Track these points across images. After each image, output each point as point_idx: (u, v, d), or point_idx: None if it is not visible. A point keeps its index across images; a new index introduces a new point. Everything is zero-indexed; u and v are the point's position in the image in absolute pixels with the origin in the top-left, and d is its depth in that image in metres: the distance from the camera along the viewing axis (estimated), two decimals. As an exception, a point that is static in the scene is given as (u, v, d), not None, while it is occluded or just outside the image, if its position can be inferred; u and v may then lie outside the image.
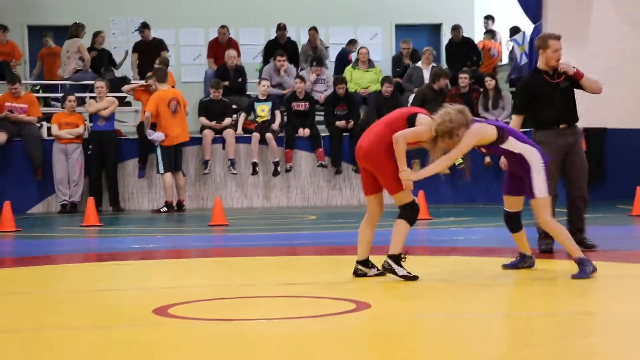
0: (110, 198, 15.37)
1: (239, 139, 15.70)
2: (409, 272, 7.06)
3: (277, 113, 15.90)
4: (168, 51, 17.97)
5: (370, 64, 17.43)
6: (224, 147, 15.70)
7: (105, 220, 13.50)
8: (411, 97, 16.45)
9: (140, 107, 15.76)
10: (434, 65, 17.02)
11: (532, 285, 6.90)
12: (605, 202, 14.94)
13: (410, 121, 7.02)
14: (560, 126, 8.56)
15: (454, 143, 6.89)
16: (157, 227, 13.14)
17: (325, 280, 7.19)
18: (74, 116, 15.42)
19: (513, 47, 17.64)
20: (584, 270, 6.98)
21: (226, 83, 16.48)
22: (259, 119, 15.75)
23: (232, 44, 17.97)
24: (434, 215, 12.97)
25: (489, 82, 15.68)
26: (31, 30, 20.17)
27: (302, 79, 16.23)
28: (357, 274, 7.25)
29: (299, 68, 17.77)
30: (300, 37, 19.50)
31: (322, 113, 16.44)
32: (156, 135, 14.63)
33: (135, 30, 18.07)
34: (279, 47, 17.80)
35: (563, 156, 8.51)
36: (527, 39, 16.87)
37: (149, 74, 15.61)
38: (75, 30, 17.29)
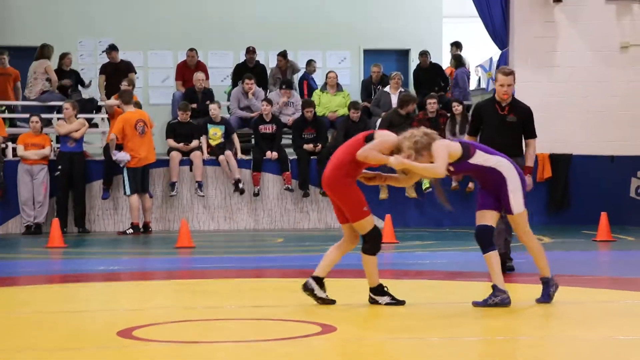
0: (76, 219, 15.28)
1: (206, 162, 15.67)
2: (393, 299, 7.03)
3: (234, 137, 15.94)
4: (136, 73, 17.92)
5: (338, 87, 17.49)
6: (191, 169, 15.67)
7: (70, 242, 13.40)
8: (379, 122, 16.51)
9: (107, 129, 15.70)
10: (402, 90, 17.12)
11: (494, 309, 6.91)
12: (570, 228, 15.06)
13: (369, 141, 6.92)
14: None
15: (420, 161, 6.78)
16: (123, 249, 13.07)
17: (291, 303, 7.19)
18: (40, 137, 15.33)
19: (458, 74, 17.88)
20: (547, 294, 7.04)
21: (194, 105, 16.47)
22: (211, 142, 15.75)
23: (201, 67, 17.97)
24: (401, 239, 13.01)
25: (457, 107, 15.79)
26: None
27: (270, 101, 16.26)
28: (306, 287, 7.06)
29: (267, 91, 17.80)
30: (269, 61, 19.55)
31: (290, 136, 16.47)
32: (121, 156, 14.57)
33: (103, 52, 18.02)
34: (248, 70, 17.83)
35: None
36: (495, 65, 17.04)
37: (114, 96, 15.56)
38: (43, 51, 17.21)
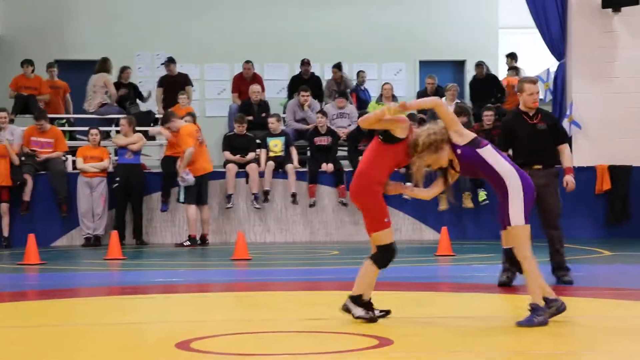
0: (134, 231, 15.43)
1: (262, 174, 15.73)
2: (366, 313, 6.79)
3: (293, 150, 15.98)
4: (192, 86, 18.10)
5: (394, 99, 17.47)
6: (247, 182, 15.74)
7: (129, 254, 13.53)
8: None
9: (164, 142, 15.79)
10: (458, 101, 17.03)
11: (552, 324, 6.82)
12: (630, 241, 14.84)
13: (382, 132, 6.80)
14: (534, 167, 8.75)
15: (438, 158, 6.67)
16: (180, 261, 13.16)
17: (348, 316, 7.16)
18: (99, 149, 15.52)
19: None
20: (531, 319, 6.55)
21: (250, 118, 16.55)
22: (271, 154, 15.80)
23: (257, 79, 18.08)
24: (457, 252, 12.92)
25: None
26: (60, 64, 20.35)
27: (325, 113, 16.29)
28: (344, 309, 6.90)
29: (323, 103, 17.84)
30: (325, 73, 19.59)
31: (346, 148, 16.46)
32: (189, 178, 14.64)
33: (162, 64, 18.19)
34: (303, 82, 17.89)
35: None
36: (552, 76, 16.88)
37: (162, 128, 15.46)
38: (102, 65, 17.45)
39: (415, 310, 7.23)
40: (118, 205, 15.31)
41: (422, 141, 6.65)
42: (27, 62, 17.62)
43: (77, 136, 17.26)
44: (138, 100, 18.07)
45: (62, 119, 17.58)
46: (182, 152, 14.67)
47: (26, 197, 15.21)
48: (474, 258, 12.73)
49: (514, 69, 18.81)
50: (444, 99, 17.08)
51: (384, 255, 6.80)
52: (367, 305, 6.82)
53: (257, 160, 15.81)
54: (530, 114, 8.82)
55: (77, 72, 18.92)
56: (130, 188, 15.28)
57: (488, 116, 15.89)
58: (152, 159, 16.74)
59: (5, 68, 19.22)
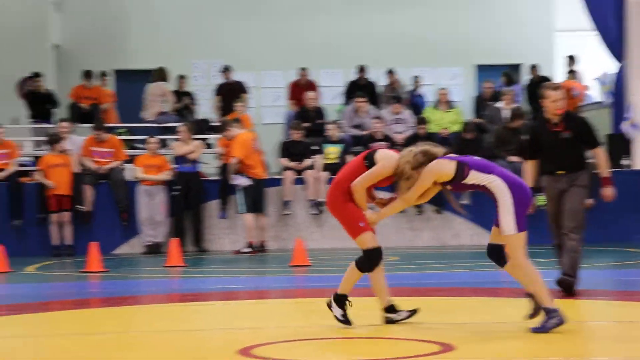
0: (194, 239, 15.55)
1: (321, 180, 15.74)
2: (343, 317, 6.95)
3: (349, 157, 15.96)
4: (249, 93, 18.21)
5: (450, 104, 17.41)
6: (304, 188, 15.78)
7: (189, 261, 13.63)
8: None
9: (221, 150, 15.90)
10: (515, 105, 16.90)
11: (606, 328, 6.73)
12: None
13: (369, 158, 6.90)
14: (557, 172, 8.60)
15: (411, 184, 6.70)
16: (240, 267, 13.23)
17: (409, 322, 7.14)
18: (157, 158, 15.67)
19: None
20: (545, 325, 6.49)
21: (306, 124, 16.60)
22: (327, 161, 15.82)
23: (312, 86, 18.13)
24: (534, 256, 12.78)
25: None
26: (117, 74, 20.63)
27: (381, 119, 16.27)
28: (386, 321, 7.09)
29: (379, 109, 17.82)
30: (380, 79, 19.58)
31: (403, 154, 16.41)
32: (242, 180, 14.75)
33: (219, 72, 18.33)
34: (359, 88, 17.90)
35: (557, 202, 8.61)
36: (609, 78, 16.70)
37: (221, 140, 15.57)
38: (160, 74, 17.63)
39: (476, 316, 7.18)
40: (177, 213, 15.44)
41: (396, 170, 6.77)
42: (87, 74, 17.85)
43: (136, 145, 17.47)
44: (193, 108, 18.23)
45: (120, 128, 17.81)
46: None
47: (87, 207, 15.41)
48: (535, 263, 12.59)
49: (572, 72, 18.63)
50: (500, 103, 16.97)
51: (367, 259, 7.06)
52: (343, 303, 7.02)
53: (313, 166, 15.84)
54: (554, 121, 8.55)
55: (134, 81, 19.14)
56: (190, 196, 15.40)
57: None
58: (210, 166, 16.85)
59: (63, 78, 19.51)
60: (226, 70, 17.95)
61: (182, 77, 18.34)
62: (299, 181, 15.80)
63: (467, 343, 6.33)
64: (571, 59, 19.02)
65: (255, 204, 14.97)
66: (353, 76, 18.76)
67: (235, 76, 18.15)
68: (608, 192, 8.75)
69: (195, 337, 6.91)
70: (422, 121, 16.24)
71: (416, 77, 19.06)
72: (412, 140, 16.17)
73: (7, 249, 13.10)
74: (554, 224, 8.76)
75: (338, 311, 6.99)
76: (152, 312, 8.52)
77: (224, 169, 15.45)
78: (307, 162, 15.83)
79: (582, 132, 8.62)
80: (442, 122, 17.12)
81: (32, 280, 12.01)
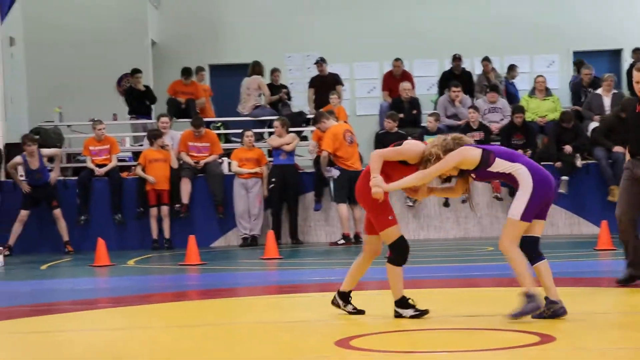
0: (290, 231, 15.66)
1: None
2: (416, 310, 6.93)
3: None
4: (343, 85, 18.23)
5: (547, 92, 17.14)
6: (400, 179, 15.71)
7: (285, 253, 13.74)
8: (592, 125, 16.07)
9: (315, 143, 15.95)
10: (615, 92, 16.57)
11: None
12: None
13: (398, 145, 6.96)
14: (638, 157, 8.28)
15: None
16: (335, 259, 13.27)
17: (506, 313, 7.07)
18: (253, 151, 15.82)
19: None
20: (523, 309, 6.54)
21: (401, 115, 16.54)
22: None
23: (407, 76, 18.06)
24: (619, 246, 12.56)
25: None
26: (212, 69, 20.90)
27: (476, 109, 16.13)
28: (333, 303, 7.30)
29: (474, 98, 17.67)
30: (475, 67, 19.40)
31: (498, 143, 16.25)
32: (334, 172, 14.80)
33: (314, 64, 18.39)
34: (454, 77, 17.76)
35: (632, 188, 8.27)
36: None
37: (315, 135, 15.63)
38: (255, 68, 17.80)
39: (576, 306, 7.07)
40: (274, 206, 15.56)
41: (424, 154, 6.76)
42: (185, 71, 18.12)
43: (232, 138, 17.66)
44: (288, 101, 18.34)
45: (216, 122, 18.04)
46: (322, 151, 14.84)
47: (184, 199, 15.65)
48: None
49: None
50: (600, 90, 16.65)
51: (397, 253, 7.01)
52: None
53: (409, 157, 15.76)
54: None
55: (229, 76, 19.35)
56: (286, 188, 15.50)
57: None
58: (304, 159, 16.95)
59: (161, 74, 19.85)
60: (321, 62, 18.01)
61: (276, 70, 18.46)
62: (394, 172, 15.72)
63: (567, 333, 6.25)
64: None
65: (350, 195, 14.98)
66: (447, 66, 18.62)
67: (330, 68, 18.20)
68: None
69: (293, 328, 6.97)
70: (518, 110, 16.04)
71: (513, 65, 18.80)
72: (508, 129, 16.02)
73: (108, 243, 13.40)
74: (625, 215, 8.38)
75: (408, 312, 6.97)
76: (250, 304, 8.62)
77: (317, 161, 15.50)
78: (402, 153, 15.75)
79: None
80: (539, 110, 16.87)
81: (132, 273, 12.27)
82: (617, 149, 15.13)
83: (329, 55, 18.83)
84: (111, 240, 14.85)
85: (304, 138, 17.25)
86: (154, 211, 15.52)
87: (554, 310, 6.59)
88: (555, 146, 15.66)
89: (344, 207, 14.93)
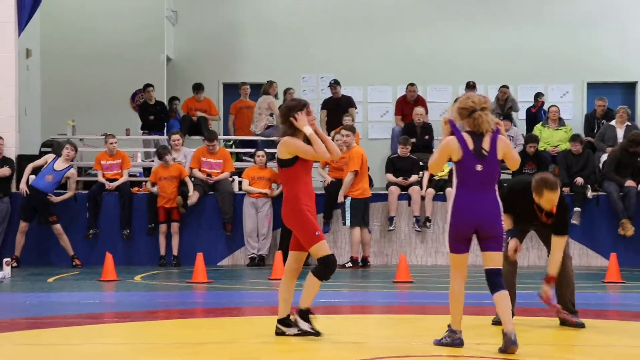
0: (298, 252, 15.58)
1: (424, 197, 15.65)
2: (311, 328, 7.16)
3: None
4: (356, 108, 18.23)
5: (560, 122, 17.11)
6: (409, 204, 15.71)
7: (292, 274, 13.65)
8: (603, 157, 16.03)
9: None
10: (629, 124, 16.53)
11: None
12: None
13: (281, 161, 7.42)
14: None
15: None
16: (342, 282, 13.22)
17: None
18: (265, 170, 15.80)
19: None
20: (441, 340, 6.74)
21: (413, 140, 16.53)
22: (436, 177, 15.72)
23: (420, 102, 18.06)
24: (627, 279, 12.51)
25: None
26: (226, 87, 20.95)
27: (489, 136, 16.08)
28: (276, 332, 7.38)
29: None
30: (489, 94, 19.40)
31: (510, 171, 16.20)
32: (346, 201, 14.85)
33: (328, 87, 18.41)
34: (468, 105, 17.72)
35: None
36: None
37: (335, 130, 15.70)
38: (267, 87, 17.85)
39: (580, 339, 7.03)
40: (284, 226, 15.51)
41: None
42: (198, 87, 18.20)
43: (243, 157, 17.66)
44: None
45: (229, 140, 18.04)
46: (345, 173, 14.78)
47: (191, 201, 15.47)
48: (645, 286, 12.28)
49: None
50: (613, 121, 16.62)
51: (323, 268, 7.28)
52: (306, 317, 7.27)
53: (419, 182, 15.77)
54: None
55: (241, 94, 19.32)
56: (295, 209, 15.43)
57: (660, 139, 15.35)
58: (315, 180, 16.91)
59: (175, 90, 19.89)
60: (335, 84, 18.04)
61: (289, 91, 18.48)
62: (404, 197, 15.74)
63: None
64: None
65: (363, 218, 14.97)
66: (461, 92, 18.63)
67: (344, 91, 18.21)
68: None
69: (300, 348, 6.94)
70: (532, 139, 15.99)
71: (539, 93, 18.84)
72: (520, 157, 15.93)
73: (115, 257, 13.39)
74: None
75: (305, 325, 7.20)
76: (257, 323, 8.58)
77: (329, 183, 15.47)
78: (413, 178, 15.76)
79: None
80: (552, 140, 16.85)
81: (139, 289, 12.24)
82: (629, 183, 15.09)
83: (344, 77, 18.85)
84: (119, 255, 14.85)
85: (316, 160, 17.18)
86: (163, 227, 15.50)
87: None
88: (566, 175, 15.62)
89: (357, 230, 14.89)
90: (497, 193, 6.71)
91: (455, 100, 7.01)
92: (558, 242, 7.85)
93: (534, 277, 12.33)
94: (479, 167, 6.67)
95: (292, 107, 7.40)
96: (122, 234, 15.77)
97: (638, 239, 15.25)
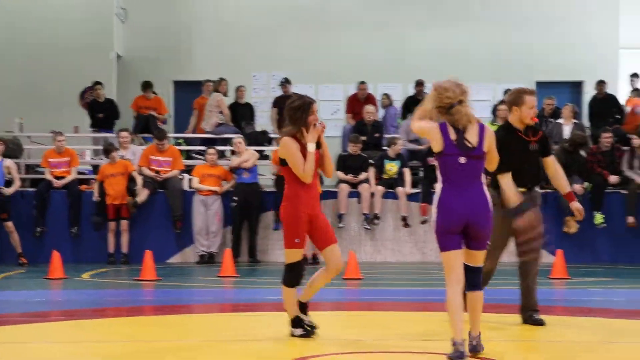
0: (250, 249, 15.60)
1: (373, 194, 15.73)
2: (303, 330, 7.15)
3: (406, 172, 15.92)
4: (307, 106, 18.20)
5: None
6: (359, 201, 15.76)
7: (242, 272, 13.67)
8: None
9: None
10: (576, 122, 16.73)
11: None
12: None
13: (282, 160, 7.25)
14: (519, 189, 7.98)
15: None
16: (293, 279, 13.20)
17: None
18: (216, 168, 15.75)
19: None
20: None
21: (364, 138, 16.58)
22: (385, 176, 15.80)
23: (371, 100, 18.11)
24: (573, 275, 12.65)
25: (635, 141, 15.32)
26: (177, 85, 20.85)
27: (439, 134, 16.19)
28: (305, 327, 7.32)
29: (437, 124, 17.72)
30: (439, 94, 19.48)
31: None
32: None
33: (279, 85, 18.41)
34: (418, 102, 17.77)
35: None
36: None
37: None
38: (216, 85, 17.78)
39: (519, 333, 7.11)
40: (235, 224, 15.49)
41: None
42: (147, 85, 18.07)
43: (193, 155, 17.59)
44: (252, 120, 18.31)
45: (179, 138, 17.94)
46: None
47: (140, 199, 15.39)
48: (590, 282, 12.45)
49: (637, 90, 18.38)
50: (561, 119, 16.81)
51: (289, 274, 7.22)
52: (298, 323, 7.19)
53: (369, 180, 15.82)
54: (523, 131, 7.93)
55: (193, 92, 19.27)
56: (248, 207, 15.45)
57: (606, 138, 15.57)
58: (265, 177, 16.91)
59: (125, 88, 19.76)
60: (285, 82, 18.04)
61: (240, 88, 18.43)
62: (354, 194, 15.78)
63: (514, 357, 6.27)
64: (635, 76, 18.77)
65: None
66: (411, 91, 18.71)
67: (294, 89, 18.21)
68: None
69: (247, 347, 6.93)
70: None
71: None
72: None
73: (63, 255, 13.26)
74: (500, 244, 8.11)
75: (298, 331, 7.15)
76: (205, 321, 8.55)
77: (278, 181, 15.48)
78: (363, 175, 15.82)
79: (543, 149, 8.14)
80: (500, 138, 16.96)
81: (87, 287, 12.14)
82: (576, 187, 15.28)
83: (295, 76, 18.85)
84: (67, 253, 14.72)
85: (266, 157, 17.22)
86: (112, 225, 15.39)
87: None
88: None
89: (307, 229, 14.88)
90: (485, 188, 6.18)
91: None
92: (552, 161, 7.97)
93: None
94: (462, 160, 6.11)
95: (298, 107, 7.20)
96: (70, 232, 15.63)
97: (584, 236, 15.43)
